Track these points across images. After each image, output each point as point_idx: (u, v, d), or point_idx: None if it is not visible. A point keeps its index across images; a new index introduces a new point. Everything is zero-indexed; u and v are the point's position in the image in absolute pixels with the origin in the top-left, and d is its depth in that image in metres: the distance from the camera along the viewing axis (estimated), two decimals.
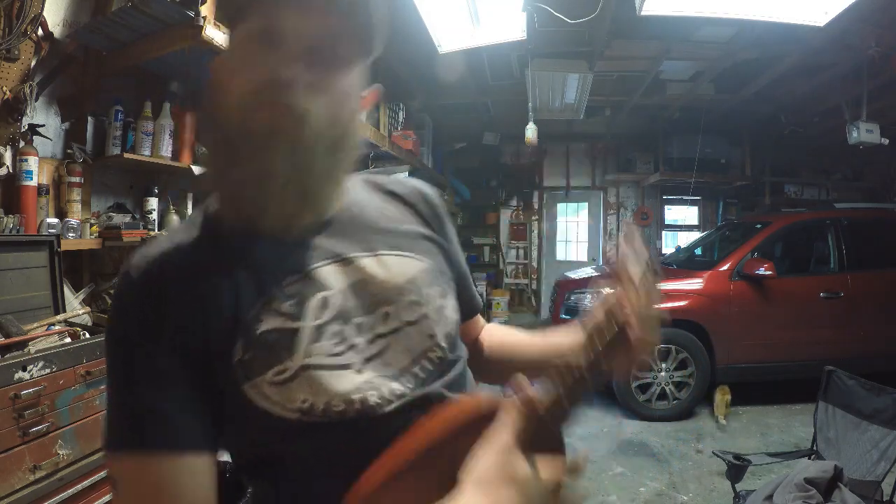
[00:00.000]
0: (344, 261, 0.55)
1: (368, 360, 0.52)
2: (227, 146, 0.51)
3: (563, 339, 0.69)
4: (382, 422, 0.50)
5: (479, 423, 0.49)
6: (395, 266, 0.57)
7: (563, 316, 4.12)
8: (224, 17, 0.45)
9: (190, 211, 2.56)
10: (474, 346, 0.77)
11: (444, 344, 0.57)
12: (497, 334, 0.79)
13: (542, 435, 0.48)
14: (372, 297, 0.55)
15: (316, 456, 0.50)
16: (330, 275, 0.54)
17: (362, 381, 0.50)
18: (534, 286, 7.22)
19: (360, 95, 0.56)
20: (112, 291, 0.54)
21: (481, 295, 5.48)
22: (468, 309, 0.71)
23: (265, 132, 0.48)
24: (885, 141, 4.12)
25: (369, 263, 0.56)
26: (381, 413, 0.50)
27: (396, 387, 0.52)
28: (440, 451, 0.48)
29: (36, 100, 1.81)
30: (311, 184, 0.52)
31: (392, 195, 0.67)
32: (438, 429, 0.49)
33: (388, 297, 0.55)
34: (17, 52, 1.69)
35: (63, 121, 2.01)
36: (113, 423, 0.49)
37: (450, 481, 0.46)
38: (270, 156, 0.49)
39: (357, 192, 0.63)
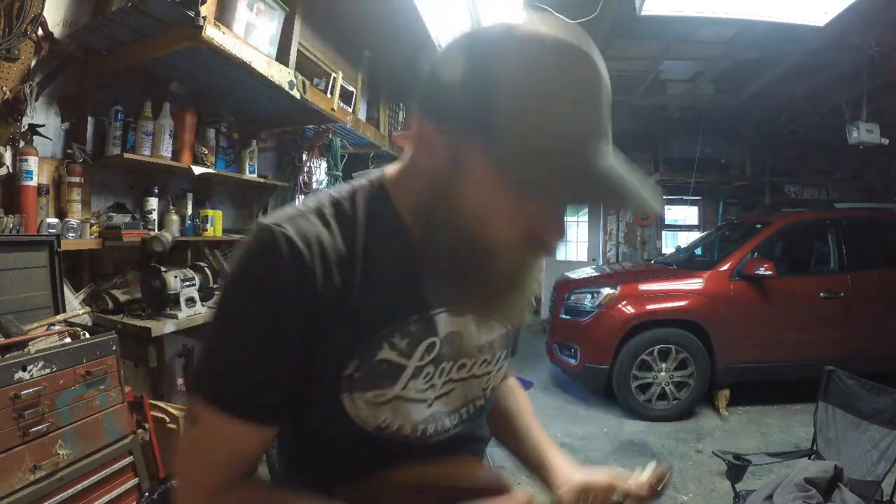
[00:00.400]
0: (454, 311, 0.61)
1: (438, 397, 0.62)
2: (461, 237, 0.54)
3: (542, 451, 0.78)
4: (429, 446, 0.61)
5: (483, 490, 0.59)
6: (485, 327, 0.65)
7: (563, 316, 4.12)
8: (457, 122, 0.48)
9: (190, 211, 2.56)
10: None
11: (488, 396, 0.69)
12: (506, 403, 0.84)
13: None
14: (461, 348, 0.63)
15: (367, 458, 0.59)
16: (441, 321, 0.60)
17: (429, 415, 0.61)
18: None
19: None
20: (248, 244, 0.54)
21: None
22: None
23: (509, 263, 0.56)
24: (885, 141, 4.12)
25: (471, 320, 0.63)
26: (431, 441, 0.61)
27: (447, 422, 0.63)
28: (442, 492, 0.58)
29: (36, 100, 1.81)
30: (519, 300, 0.61)
31: None
32: (452, 474, 0.61)
33: (470, 352, 0.64)
34: (17, 52, 1.69)
35: (63, 121, 2.01)
36: (212, 370, 0.54)
37: None
38: (500, 274, 0.56)
39: None
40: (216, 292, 2.56)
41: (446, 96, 0.52)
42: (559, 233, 0.55)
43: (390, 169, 0.62)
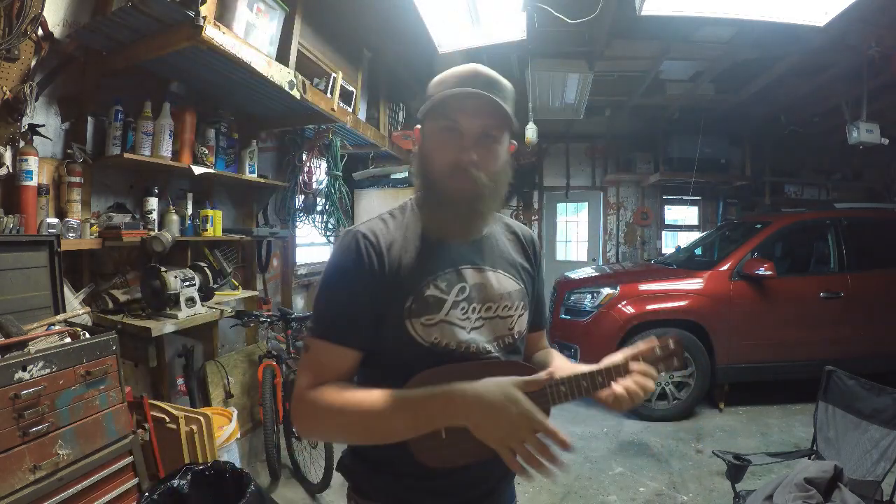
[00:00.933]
0: (478, 268, 0.91)
1: (474, 328, 0.88)
2: (433, 191, 0.88)
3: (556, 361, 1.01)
4: (474, 361, 0.86)
5: (526, 371, 0.83)
6: (504, 281, 0.93)
7: (563, 316, 4.12)
8: (420, 114, 0.90)
9: (190, 211, 2.57)
10: (529, 355, 1.07)
11: (515, 336, 0.93)
12: (545, 357, 1.06)
13: (539, 404, 0.76)
14: (486, 294, 0.90)
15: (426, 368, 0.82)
16: (468, 274, 0.90)
17: (469, 338, 0.86)
18: None
19: (507, 153, 0.92)
20: (339, 240, 0.90)
21: None
22: (536, 323, 1.04)
23: (455, 189, 0.85)
24: (885, 141, 4.12)
25: (491, 275, 0.92)
26: (475, 358, 0.86)
27: (488, 346, 0.88)
28: (499, 368, 0.82)
29: (36, 100, 1.81)
30: (479, 214, 0.90)
31: (515, 234, 1.04)
32: (492, 364, 0.86)
33: (493, 298, 0.91)
34: (17, 52, 1.69)
35: (63, 121, 2.01)
36: (320, 317, 0.85)
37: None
38: (457, 200, 0.86)
39: (496, 227, 1.01)
40: (216, 292, 2.56)
41: (421, 106, 0.89)
42: (466, 152, 0.84)
43: None
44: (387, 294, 0.83)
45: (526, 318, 0.96)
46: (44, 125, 1.87)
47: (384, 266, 0.84)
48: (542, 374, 0.79)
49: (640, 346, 0.88)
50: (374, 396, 0.77)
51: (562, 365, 0.96)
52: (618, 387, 0.83)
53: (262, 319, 2.87)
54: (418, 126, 0.92)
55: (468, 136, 0.85)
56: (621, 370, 0.85)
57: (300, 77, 2.56)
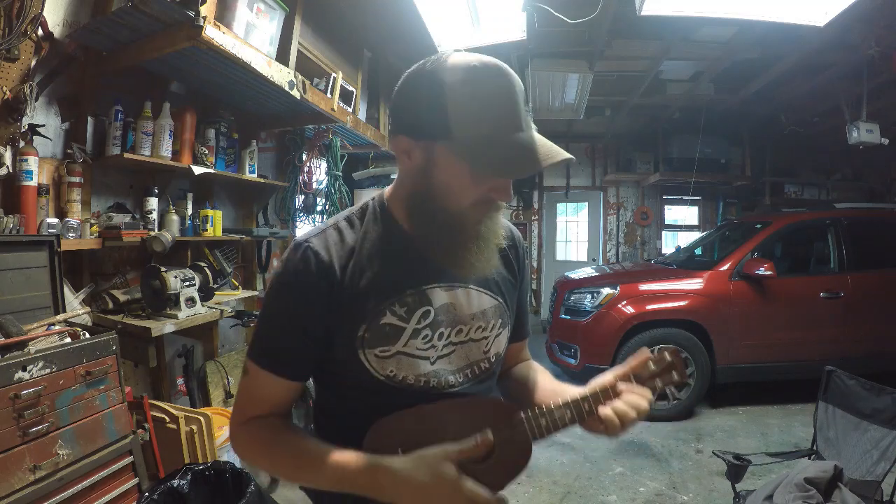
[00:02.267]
0: (446, 286, 0.79)
1: (440, 357, 0.78)
2: (439, 213, 0.74)
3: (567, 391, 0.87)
4: (435, 398, 0.76)
5: (501, 408, 0.77)
6: (477, 299, 0.82)
7: (563, 316, 4.12)
8: (424, 131, 0.72)
9: (190, 211, 2.57)
10: (507, 368, 0.98)
11: (492, 359, 0.84)
12: (524, 372, 0.97)
13: (516, 441, 0.73)
14: (455, 316, 0.79)
15: (380, 405, 0.74)
16: (434, 294, 0.78)
17: (431, 370, 0.77)
18: (534, 286, 7.22)
19: None
20: (286, 254, 0.78)
21: None
22: (517, 334, 0.95)
23: (475, 221, 0.74)
24: (885, 141, 4.12)
25: (461, 293, 0.80)
26: (436, 393, 0.77)
27: (451, 379, 0.79)
28: (470, 406, 0.77)
29: (36, 100, 1.81)
30: (485, 251, 0.77)
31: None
32: (460, 403, 0.77)
33: (464, 319, 0.80)
34: (17, 52, 1.69)
35: (63, 121, 2.01)
36: (258, 339, 0.77)
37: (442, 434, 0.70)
38: (474, 234, 0.75)
39: None
40: (216, 292, 2.56)
41: (414, 114, 0.72)
42: (506, 195, 0.74)
43: (389, 187, 0.84)
44: (337, 319, 0.74)
45: (504, 336, 0.86)
46: (44, 125, 1.87)
47: (335, 289, 0.73)
48: (485, 437, 0.69)
49: (632, 362, 0.79)
50: (306, 452, 0.73)
51: (543, 386, 0.90)
52: (605, 409, 0.73)
53: None
54: (418, 139, 0.72)
55: (506, 188, 0.75)
56: (609, 393, 0.75)
57: (300, 77, 2.56)
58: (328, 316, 0.73)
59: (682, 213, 7.20)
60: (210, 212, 2.65)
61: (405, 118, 0.73)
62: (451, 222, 0.74)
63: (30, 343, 1.45)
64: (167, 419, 1.96)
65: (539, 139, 0.70)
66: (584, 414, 0.74)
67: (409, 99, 0.72)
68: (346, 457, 0.69)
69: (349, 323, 0.74)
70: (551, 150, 0.70)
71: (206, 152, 2.56)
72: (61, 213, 1.97)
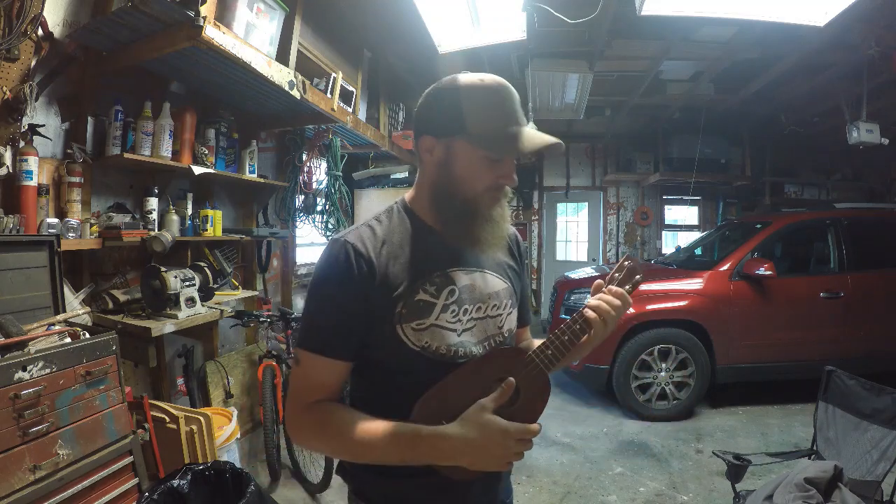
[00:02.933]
0: (466, 269, 0.93)
1: (465, 330, 0.90)
2: (459, 204, 0.89)
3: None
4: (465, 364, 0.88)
5: (511, 354, 0.90)
6: (491, 281, 0.96)
7: (563, 316, 4.12)
8: (445, 129, 0.89)
9: (190, 211, 2.57)
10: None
11: (506, 334, 0.97)
12: (528, 345, 1.09)
13: (534, 377, 0.87)
14: (475, 295, 0.92)
15: (417, 374, 0.85)
16: (457, 276, 0.91)
17: (458, 341, 0.88)
18: (534, 286, 7.22)
19: None
20: (326, 249, 0.90)
21: None
22: (521, 320, 1.07)
23: (488, 206, 0.89)
24: (885, 141, 4.12)
25: (478, 276, 0.94)
26: (465, 361, 0.88)
27: (475, 350, 0.90)
28: (486, 363, 0.87)
29: (36, 100, 1.81)
30: (497, 231, 0.91)
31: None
32: (473, 365, 0.87)
33: (483, 298, 0.93)
34: (17, 52, 1.69)
35: (63, 121, 2.01)
36: (307, 329, 0.87)
37: (489, 382, 0.83)
38: (488, 216, 0.89)
39: None
40: (216, 292, 2.56)
41: (436, 118, 0.89)
42: (511, 179, 0.90)
43: (409, 193, 0.98)
44: (377, 301, 0.84)
45: (514, 316, 1.00)
46: (44, 125, 1.87)
47: (373, 273, 0.85)
48: (507, 382, 0.82)
49: (598, 283, 0.98)
50: (369, 431, 0.81)
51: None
52: (587, 311, 0.91)
53: (262, 319, 2.87)
54: (439, 137, 0.88)
55: (511, 162, 0.89)
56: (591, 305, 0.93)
57: (300, 77, 2.56)
58: (369, 297, 0.84)
59: (682, 213, 7.20)
60: (210, 212, 2.65)
61: (429, 122, 0.89)
62: (468, 207, 0.88)
63: (30, 343, 1.45)
64: (167, 419, 1.96)
65: (536, 131, 0.88)
66: (577, 332, 0.90)
67: (431, 107, 0.89)
68: (403, 429, 0.79)
69: (388, 302, 0.84)
70: (546, 136, 0.87)
71: (206, 152, 2.56)
72: (61, 213, 1.97)
